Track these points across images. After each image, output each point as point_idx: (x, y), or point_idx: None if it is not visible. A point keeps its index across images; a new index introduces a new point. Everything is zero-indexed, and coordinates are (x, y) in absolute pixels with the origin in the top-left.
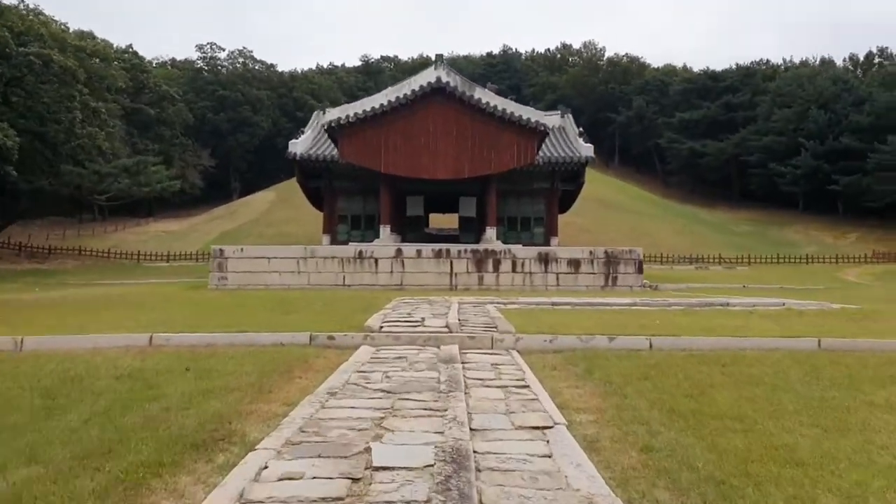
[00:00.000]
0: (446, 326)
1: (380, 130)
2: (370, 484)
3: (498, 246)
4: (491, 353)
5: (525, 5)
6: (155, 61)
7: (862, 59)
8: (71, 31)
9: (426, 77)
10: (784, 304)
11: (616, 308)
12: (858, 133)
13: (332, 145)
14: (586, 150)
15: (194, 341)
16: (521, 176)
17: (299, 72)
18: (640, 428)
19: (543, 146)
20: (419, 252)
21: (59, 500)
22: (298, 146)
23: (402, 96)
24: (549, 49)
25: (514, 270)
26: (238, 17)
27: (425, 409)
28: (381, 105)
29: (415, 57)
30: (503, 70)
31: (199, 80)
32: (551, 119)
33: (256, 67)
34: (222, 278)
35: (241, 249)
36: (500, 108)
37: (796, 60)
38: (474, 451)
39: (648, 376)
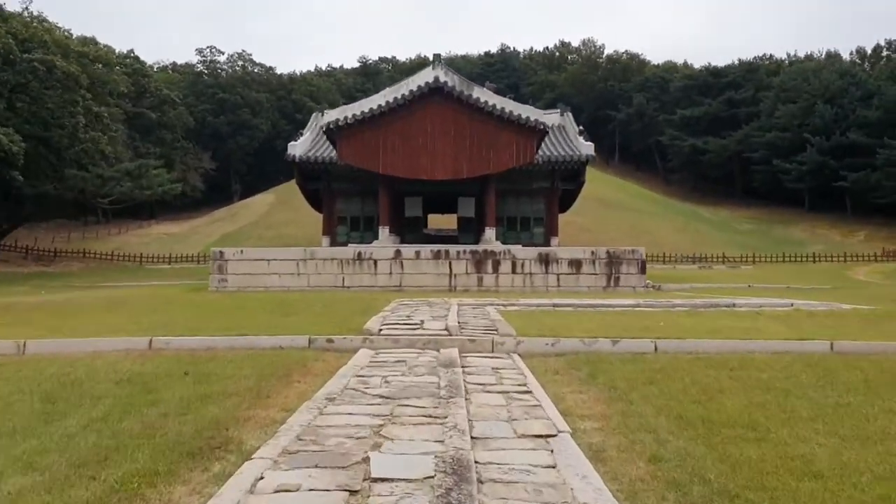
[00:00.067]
0: (446, 329)
1: (378, 131)
2: (368, 497)
3: (497, 246)
4: (491, 357)
5: (524, 5)
6: (156, 65)
7: (870, 51)
8: (74, 37)
9: (424, 77)
10: (792, 305)
11: (619, 309)
12: (866, 128)
13: (331, 147)
14: (586, 148)
15: (194, 345)
16: (521, 175)
17: (298, 74)
18: (648, 436)
19: (543, 145)
20: (418, 253)
21: None
22: (297, 148)
23: (399, 97)
24: (547, 47)
25: (513, 271)
26: (237, 19)
27: (425, 416)
28: (379, 106)
29: (413, 57)
30: (501, 69)
31: (200, 84)
32: (550, 117)
33: (255, 70)
34: (222, 280)
35: (241, 252)
36: (498, 107)
37: (801, 54)
38: (476, 462)
39: (654, 381)
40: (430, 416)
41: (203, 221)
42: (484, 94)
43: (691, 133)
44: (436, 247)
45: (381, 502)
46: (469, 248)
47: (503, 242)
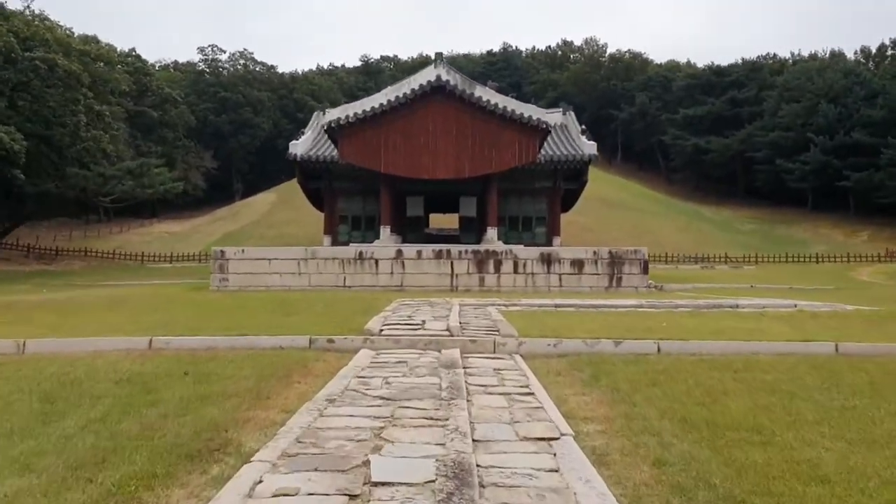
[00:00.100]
0: (447, 329)
1: (379, 130)
2: (368, 501)
3: (499, 246)
4: (493, 358)
5: (523, 5)
6: (157, 64)
7: (874, 50)
8: (75, 35)
9: (426, 76)
10: (796, 306)
11: (621, 310)
12: (870, 127)
13: (333, 146)
14: (589, 147)
15: (194, 344)
16: (523, 175)
17: (299, 73)
18: (651, 439)
19: (545, 144)
20: (419, 253)
21: None
22: (299, 147)
23: (401, 95)
24: (549, 46)
25: (515, 271)
26: (238, 19)
27: (426, 419)
28: (381, 105)
29: (414, 56)
30: (503, 68)
31: (201, 83)
32: (553, 117)
33: (257, 69)
34: (223, 280)
35: (242, 251)
36: (500, 106)
37: (805, 54)
38: (477, 465)
39: (657, 382)
40: (432, 419)
41: (205, 220)
42: (486, 93)
43: (694, 132)
44: (437, 246)
45: None
46: (471, 247)
47: (505, 242)
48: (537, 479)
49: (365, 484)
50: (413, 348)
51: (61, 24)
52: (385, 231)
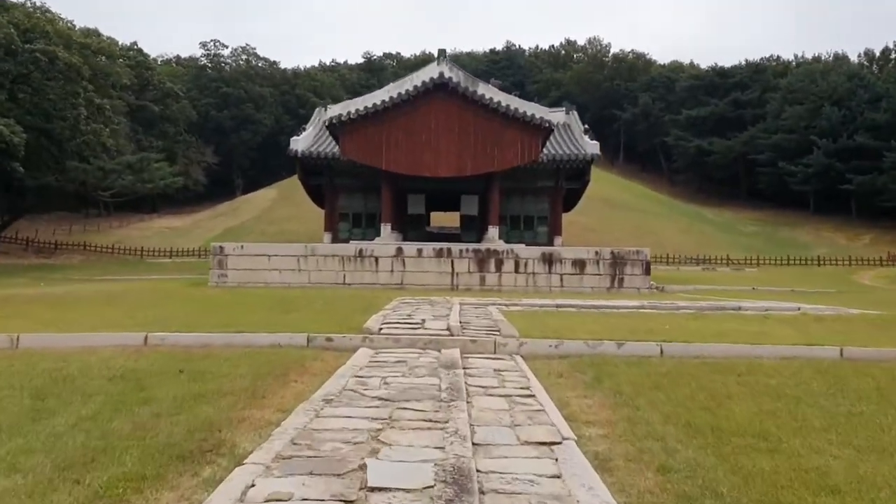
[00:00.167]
0: (447, 329)
1: (381, 127)
2: None
3: (500, 245)
4: (494, 358)
5: (523, 5)
6: (159, 59)
7: (878, 54)
8: (77, 28)
9: (428, 73)
10: (799, 309)
11: (623, 311)
12: (874, 131)
13: (334, 142)
14: (592, 147)
15: (190, 341)
16: (525, 174)
17: (302, 69)
18: (656, 444)
19: (548, 143)
20: (420, 251)
21: None
22: (300, 143)
23: (403, 92)
24: (553, 46)
25: (516, 271)
26: (240, 16)
27: (425, 421)
28: (383, 101)
29: (417, 54)
30: (506, 67)
31: (203, 78)
32: (556, 116)
33: (259, 65)
34: (222, 276)
35: (242, 247)
36: (503, 104)
37: (808, 56)
38: (477, 470)
39: (660, 386)
40: (431, 421)
41: (205, 216)
42: (489, 91)
43: (697, 134)
44: (438, 245)
45: None
46: (472, 246)
47: (506, 241)
48: (539, 486)
49: (361, 489)
50: (412, 348)
51: (62, 16)
52: (386, 229)
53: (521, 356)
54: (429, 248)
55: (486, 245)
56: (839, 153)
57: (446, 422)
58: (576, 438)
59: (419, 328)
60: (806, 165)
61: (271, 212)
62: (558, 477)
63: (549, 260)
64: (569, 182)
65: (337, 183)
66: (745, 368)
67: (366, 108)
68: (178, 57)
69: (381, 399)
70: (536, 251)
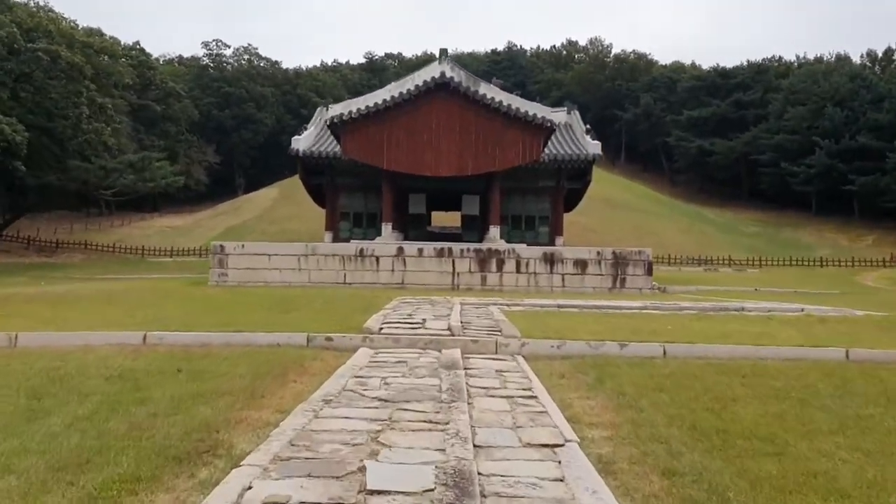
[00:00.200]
0: (448, 329)
1: (382, 126)
2: None
3: (501, 245)
4: (495, 359)
5: (522, 5)
6: (162, 58)
7: (881, 54)
8: (80, 28)
9: (430, 72)
10: (803, 310)
11: (625, 312)
12: (876, 131)
13: (335, 142)
14: (593, 147)
15: (189, 340)
16: (526, 173)
17: (304, 69)
18: (660, 447)
19: (549, 143)
20: (421, 250)
21: None
22: (301, 143)
23: (405, 91)
24: (554, 46)
25: (518, 271)
26: (241, 17)
27: (426, 422)
28: (384, 101)
29: (419, 54)
30: (508, 67)
31: (205, 77)
32: (557, 115)
33: (261, 65)
34: (222, 275)
35: (242, 246)
36: (505, 103)
37: (810, 57)
38: (479, 473)
39: (664, 387)
40: (431, 422)
41: (206, 215)
42: (490, 91)
43: (698, 134)
44: (439, 244)
45: None
46: (473, 246)
47: (507, 241)
48: (542, 489)
49: (360, 492)
50: (413, 348)
51: (66, 16)
52: (387, 228)
53: (523, 357)
54: (430, 247)
55: (488, 245)
56: (841, 154)
57: (447, 423)
58: (579, 441)
59: (420, 328)
60: (808, 166)
61: (273, 211)
62: (561, 480)
63: (550, 260)
64: (570, 182)
65: (338, 182)
66: (750, 370)
67: (367, 107)
68: (180, 57)
69: (380, 400)
70: (538, 251)
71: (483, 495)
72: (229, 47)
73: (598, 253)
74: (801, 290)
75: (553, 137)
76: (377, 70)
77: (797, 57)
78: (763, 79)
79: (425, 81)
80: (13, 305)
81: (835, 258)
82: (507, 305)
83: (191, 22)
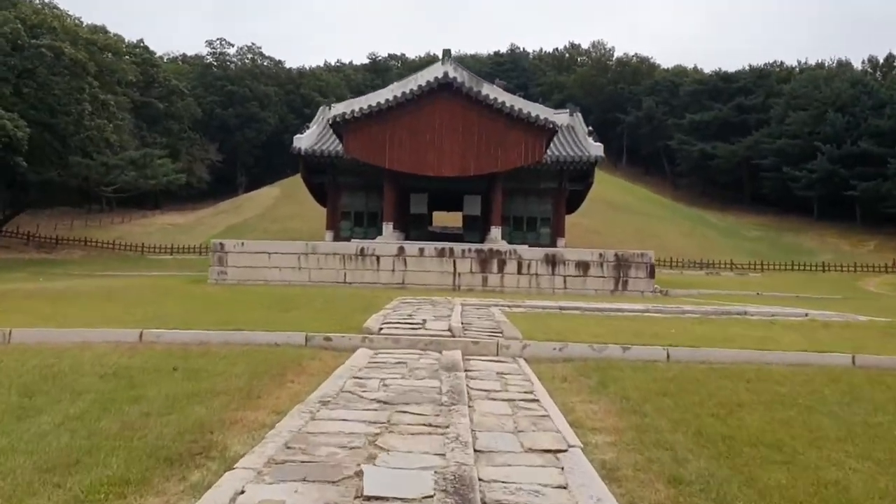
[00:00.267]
0: (449, 330)
1: (385, 126)
2: None
3: (503, 246)
4: (496, 361)
5: (523, 5)
6: (165, 56)
7: (882, 61)
8: (84, 25)
9: (433, 72)
10: (807, 315)
11: (628, 314)
12: (878, 137)
13: (337, 141)
14: (596, 149)
15: (186, 339)
16: (529, 175)
17: (307, 69)
18: (665, 454)
19: (552, 145)
20: (422, 250)
21: None
22: (303, 141)
23: (407, 91)
24: (557, 48)
25: (519, 272)
26: (244, 16)
27: (425, 425)
28: (387, 100)
29: (422, 55)
30: (511, 69)
31: (208, 76)
32: (560, 117)
33: (265, 64)
34: (222, 273)
35: (242, 244)
36: (507, 104)
37: (812, 62)
38: (479, 479)
39: (668, 392)
40: (431, 425)
41: (208, 213)
42: (493, 91)
43: (700, 138)
44: (440, 244)
45: None
46: (474, 246)
47: (509, 242)
48: (544, 497)
49: (356, 498)
50: (413, 349)
51: (70, 13)
52: (388, 228)
53: (524, 359)
54: (431, 247)
55: (489, 245)
56: (843, 159)
57: (447, 427)
58: (582, 446)
59: (420, 329)
60: (810, 171)
61: (274, 210)
62: (565, 488)
63: (552, 261)
64: (572, 184)
65: (340, 181)
66: (755, 375)
67: (370, 106)
68: (183, 55)
69: (379, 402)
70: (539, 252)
71: (484, 502)
72: (233, 46)
73: (600, 255)
74: (803, 294)
75: (555, 139)
76: (381, 70)
77: (799, 62)
78: (765, 83)
79: (428, 81)
80: (11, 301)
81: (837, 263)
82: (509, 307)
83: (194, 21)
